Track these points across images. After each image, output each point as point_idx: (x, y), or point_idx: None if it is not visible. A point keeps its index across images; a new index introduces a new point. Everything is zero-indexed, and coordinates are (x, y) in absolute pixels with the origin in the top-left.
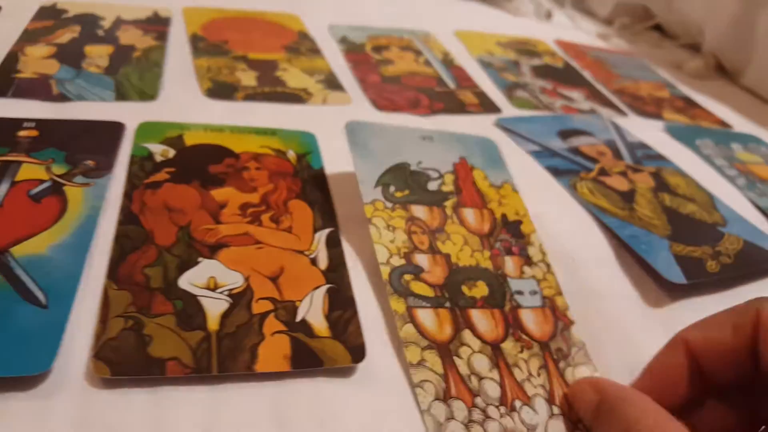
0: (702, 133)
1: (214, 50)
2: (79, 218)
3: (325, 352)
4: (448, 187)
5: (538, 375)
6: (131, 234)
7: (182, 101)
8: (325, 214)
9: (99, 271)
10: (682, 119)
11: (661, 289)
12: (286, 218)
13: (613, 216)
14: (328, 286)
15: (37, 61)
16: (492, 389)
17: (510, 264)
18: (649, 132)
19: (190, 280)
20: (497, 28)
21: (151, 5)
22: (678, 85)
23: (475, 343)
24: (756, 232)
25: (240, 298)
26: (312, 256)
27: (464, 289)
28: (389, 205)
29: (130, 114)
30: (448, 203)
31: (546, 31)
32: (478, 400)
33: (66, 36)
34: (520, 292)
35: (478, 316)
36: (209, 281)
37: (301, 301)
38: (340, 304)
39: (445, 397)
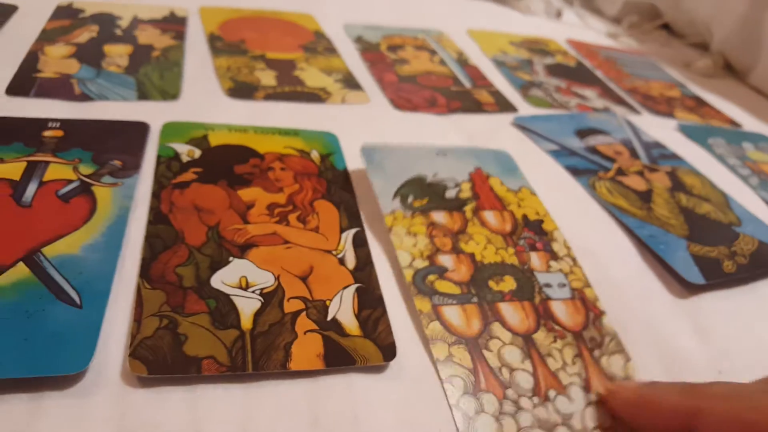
0: (714, 132)
1: (232, 50)
2: (109, 218)
3: (357, 350)
4: (466, 194)
5: (573, 364)
6: (162, 234)
7: (204, 101)
8: (351, 214)
9: (131, 270)
10: (693, 118)
11: (682, 285)
12: (313, 218)
13: (631, 216)
14: (356, 285)
15: (58, 60)
16: (524, 380)
17: (536, 259)
18: (663, 131)
19: (222, 279)
20: (508, 27)
21: (167, 4)
22: (687, 84)
23: (506, 336)
24: None
25: (271, 297)
26: (340, 255)
27: (491, 284)
28: (408, 213)
29: (153, 114)
30: (468, 208)
31: (557, 29)
32: (510, 392)
33: (84, 35)
34: (548, 285)
35: (507, 309)
36: (241, 280)
37: (331, 300)
38: (370, 303)
39: (474, 391)
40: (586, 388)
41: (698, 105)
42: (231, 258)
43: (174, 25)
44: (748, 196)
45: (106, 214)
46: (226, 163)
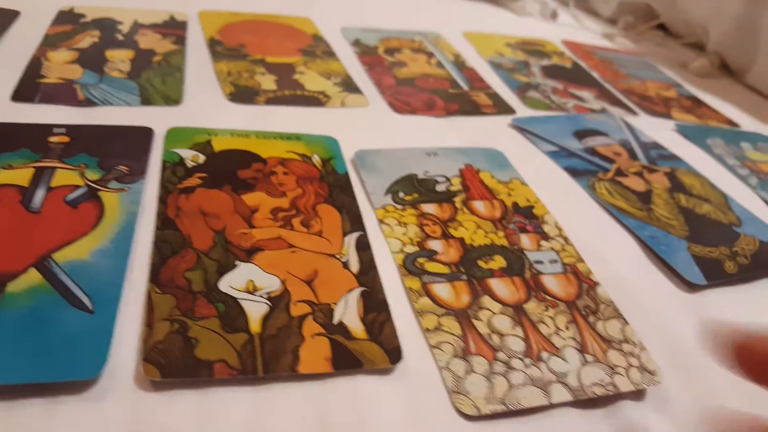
0: (712, 132)
1: (232, 54)
2: (117, 223)
3: (364, 353)
4: (456, 188)
5: (567, 329)
6: (170, 239)
7: (207, 106)
8: (353, 218)
9: (140, 275)
10: (690, 119)
11: (685, 283)
12: (316, 222)
13: (632, 217)
14: (361, 289)
15: (61, 66)
16: (516, 344)
17: (526, 240)
18: (661, 132)
19: (230, 284)
20: (503, 28)
21: (166, 9)
22: (684, 85)
23: (495, 306)
24: None
25: (278, 301)
26: (343, 259)
27: (480, 263)
28: (399, 207)
29: (156, 119)
30: (457, 199)
31: (552, 30)
32: (500, 354)
33: (86, 41)
34: (539, 262)
35: (497, 284)
36: (248, 284)
37: (336, 303)
38: (374, 306)
39: (464, 354)
40: (582, 350)
41: (695, 105)
42: (238, 262)
43: (174, 29)
44: (748, 196)
45: (113, 219)
46: (230, 168)
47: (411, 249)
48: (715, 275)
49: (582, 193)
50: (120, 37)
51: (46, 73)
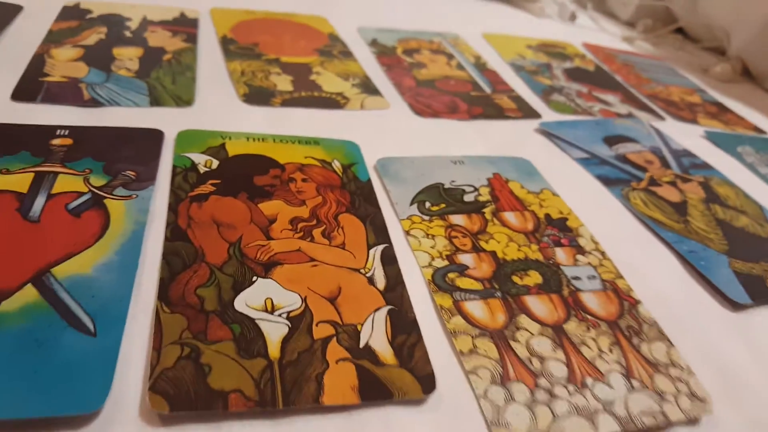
0: (742, 140)
1: (246, 53)
2: (123, 234)
3: (394, 382)
4: (485, 198)
5: (611, 352)
6: (180, 251)
7: (219, 107)
8: (378, 229)
9: (148, 292)
10: (716, 125)
11: (727, 300)
12: (338, 233)
13: (669, 230)
14: (388, 307)
15: (65, 63)
16: (557, 369)
17: (561, 254)
18: (690, 139)
19: (246, 302)
20: (522, 30)
21: (177, 5)
22: (707, 90)
23: (534, 327)
24: None
25: (299, 322)
26: (369, 274)
27: (515, 278)
28: (426, 218)
29: (166, 120)
30: (487, 210)
31: (571, 33)
32: (542, 381)
33: (92, 37)
34: (577, 278)
35: (533, 301)
36: (266, 302)
37: (362, 324)
38: (403, 327)
39: (503, 381)
40: (628, 375)
41: (720, 111)
42: (255, 278)
43: (185, 27)
44: None
45: (120, 229)
46: (246, 174)
47: (440, 263)
48: (760, 294)
49: (616, 203)
50: (128, 34)
51: (49, 71)
